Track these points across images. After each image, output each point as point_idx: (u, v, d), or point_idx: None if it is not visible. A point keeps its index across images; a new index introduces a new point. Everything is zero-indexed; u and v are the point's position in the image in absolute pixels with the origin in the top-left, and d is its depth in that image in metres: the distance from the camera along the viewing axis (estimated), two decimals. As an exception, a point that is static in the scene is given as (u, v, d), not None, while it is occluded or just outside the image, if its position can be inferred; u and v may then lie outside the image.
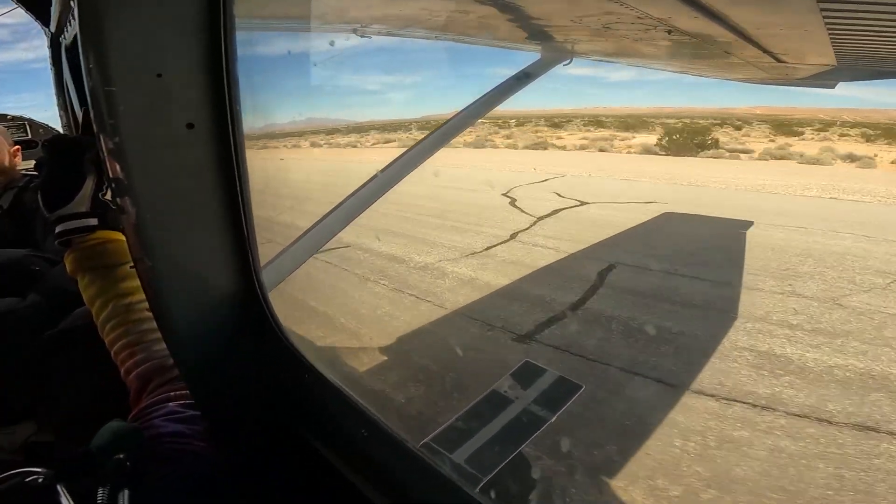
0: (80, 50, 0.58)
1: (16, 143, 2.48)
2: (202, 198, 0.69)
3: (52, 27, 2.18)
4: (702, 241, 5.86)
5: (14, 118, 3.46)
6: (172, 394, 0.93)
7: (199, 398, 0.87)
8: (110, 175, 0.63)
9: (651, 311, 4.03)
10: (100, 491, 0.65)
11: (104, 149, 0.61)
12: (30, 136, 3.40)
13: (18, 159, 2.39)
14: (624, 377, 3.08)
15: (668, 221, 6.94)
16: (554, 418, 2.49)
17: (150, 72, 0.61)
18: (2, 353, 1.49)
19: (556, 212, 7.54)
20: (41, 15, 2.37)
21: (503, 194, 8.78)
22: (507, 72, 3.13)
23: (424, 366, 3.31)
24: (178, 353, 0.82)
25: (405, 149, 2.50)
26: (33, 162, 2.80)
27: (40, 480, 0.64)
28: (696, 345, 3.49)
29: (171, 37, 0.61)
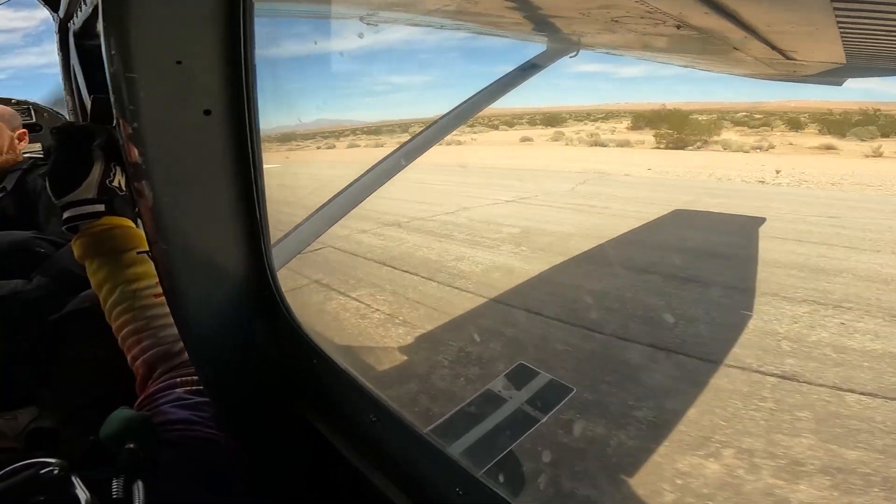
0: (102, 37, 0.58)
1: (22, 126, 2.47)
2: (217, 182, 0.70)
3: (61, 13, 2.18)
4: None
5: (18, 102, 3.46)
6: (179, 380, 0.93)
7: (206, 381, 0.88)
8: (129, 159, 0.63)
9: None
10: (114, 482, 0.64)
11: (123, 133, 0.62)
12: (34, 120, 3.40)
13: (24, 143, 2.38)
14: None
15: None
16: (545, 419, 2.56)
17: (171, 59, 0.61)
18: (7, 336, 1.49)
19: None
20: (50, 1, 2.35)
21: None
22: (511, 64, 3.13)
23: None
24: (189, 335, 0.82)
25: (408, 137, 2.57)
26: (38, 145, 2.80)
27: (55, 472, 0.62)
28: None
29: (192, 24, 0.62)
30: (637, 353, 3.26)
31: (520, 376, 2.95)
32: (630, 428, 2.53)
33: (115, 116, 0.62)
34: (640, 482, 2.22)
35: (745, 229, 6.24)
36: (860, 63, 2.47)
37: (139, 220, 1.11)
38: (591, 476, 2.22)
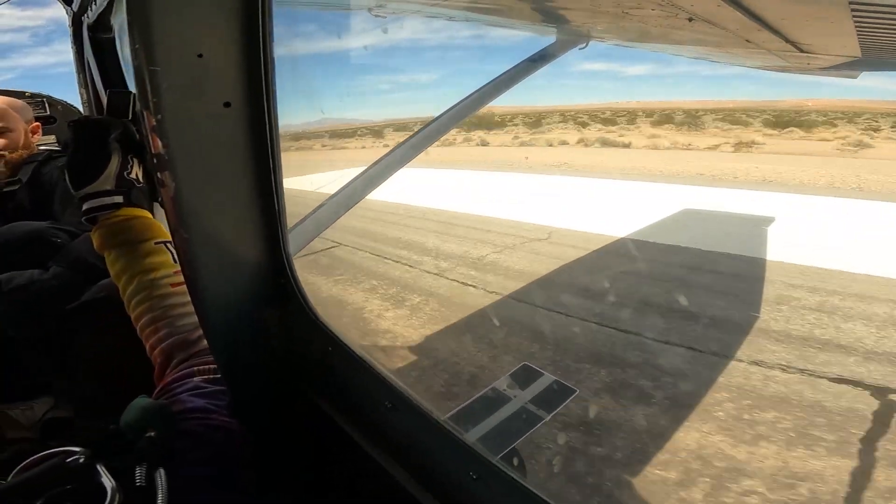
0: (127, 31, 0.60)
1: (35, 119, 2.50)
2: (237, 172, 0.72)
3: (75, 7, 2.21)
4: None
5: (32, 95, 3.50)
6: (196, 368, 0.94)
7: (224, 369, 0.90)
8: (152, 150, 0.65)
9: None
10: (137, 470, 0.64)
11: (147, 125, 0.64)
12: (48, 113, 3.44)
13: (38, 136, 2.42)
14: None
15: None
16: (548, 417, 2.59)
17: (192, 52, 0.63)
18: (24, 326, 1.51)
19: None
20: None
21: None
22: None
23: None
24: (207, 322, 0.84)
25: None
26: (52, 137, 2.83)
27: (81, 460, 0.64)
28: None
29: (212, 18, 0.64)
30: None
31: (524, 376, 3.00)
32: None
33: (138, 108, 0.64)
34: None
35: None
36: (876, 56, 2.44)
37: (156, 211, 1.13)
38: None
